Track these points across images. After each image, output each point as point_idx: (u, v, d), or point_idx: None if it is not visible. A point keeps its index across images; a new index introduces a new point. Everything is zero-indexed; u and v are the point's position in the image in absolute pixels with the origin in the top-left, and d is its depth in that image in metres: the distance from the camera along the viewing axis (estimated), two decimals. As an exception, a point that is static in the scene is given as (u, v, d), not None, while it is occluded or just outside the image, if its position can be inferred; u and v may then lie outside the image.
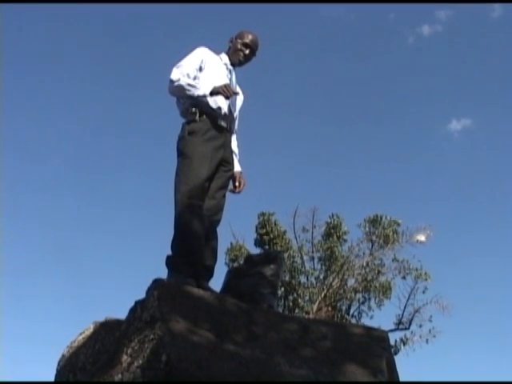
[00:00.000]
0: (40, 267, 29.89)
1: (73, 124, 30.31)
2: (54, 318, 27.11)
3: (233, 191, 4.00)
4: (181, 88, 3.77)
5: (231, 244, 16.90)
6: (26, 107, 31.17)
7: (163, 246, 3.73)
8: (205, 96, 3.76)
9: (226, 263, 16.10)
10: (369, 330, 3.34)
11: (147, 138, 30.43)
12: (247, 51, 4.05)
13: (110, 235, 29.09)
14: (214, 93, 3.76)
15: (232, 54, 4.06)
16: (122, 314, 3.15)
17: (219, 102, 3.80)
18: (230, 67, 4.05)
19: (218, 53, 4.07)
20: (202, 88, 3.76)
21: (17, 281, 28.60)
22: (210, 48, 4.04)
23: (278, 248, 16.00)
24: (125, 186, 29.74)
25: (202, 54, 3.94)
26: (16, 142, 30.09)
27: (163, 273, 3.52)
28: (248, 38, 4.06)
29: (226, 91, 3.74)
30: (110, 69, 32.31)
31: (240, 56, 4.05)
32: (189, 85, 3.76)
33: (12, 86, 30.18)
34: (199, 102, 3.77)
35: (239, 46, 4.05)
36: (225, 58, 4.06)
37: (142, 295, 3.07)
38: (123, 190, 29.99)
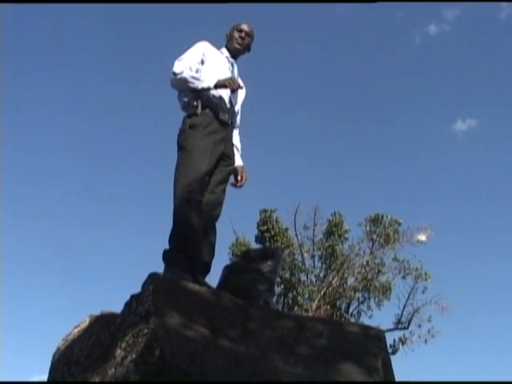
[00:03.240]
0: (37, 261, 29.96)
1: (72, 119, 30.32)
2: (51, 311, 27.11)
3: (235, 185, 3.99)
4: (184, 81, 3.76)
5: (237, 239, 16.87)
6: (25, 102, 31.14)
7: (161, 240, 3.71)
8: (209, 89, 3.75)
9: (230, 259, 16.00)
10: (365, 328, 3.31)
11: (145, 133, 30.41)
12: (242, 34, 4.06)
13: (107, 230, 29.07)
14: (218, 85, 3.75)
15: (229, 43, 4.08)
16: (118, 308, 3.14)
17: (221, 95, 3.79)
18: (232, 60, 4.04)
19: (218, 48, 4.07)
20: (206, 81, 3.75)
21: (15, 274, 28.59)
22: (212, 42, 4.03)
23: (279, 245, 15.95)
24: (122, 180, 29.78)
25: (203, 47, 3.94)
26: (15, 137, 30.09)
27: (160, 267, 3.51)
28: (241, 25, 4.09)
29: (231, 84, 3.74)
30: (113, 61, 32.27)
31: (237, 41, 4.06)
32: (192, 77, 3.75)
33: (12, 79, 30.08)
34: (202, 95, 3.76)
35: (234, 33, 4.07)
36: (225, 51, 4.06)
37: (138, 289, 3.06)
38: (121, 184, 30.00)
